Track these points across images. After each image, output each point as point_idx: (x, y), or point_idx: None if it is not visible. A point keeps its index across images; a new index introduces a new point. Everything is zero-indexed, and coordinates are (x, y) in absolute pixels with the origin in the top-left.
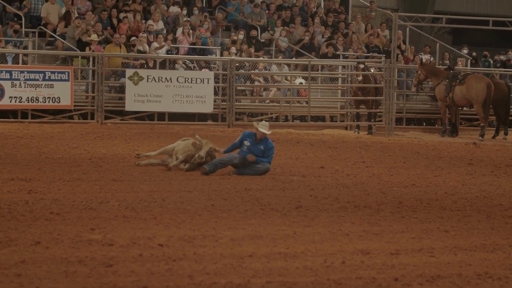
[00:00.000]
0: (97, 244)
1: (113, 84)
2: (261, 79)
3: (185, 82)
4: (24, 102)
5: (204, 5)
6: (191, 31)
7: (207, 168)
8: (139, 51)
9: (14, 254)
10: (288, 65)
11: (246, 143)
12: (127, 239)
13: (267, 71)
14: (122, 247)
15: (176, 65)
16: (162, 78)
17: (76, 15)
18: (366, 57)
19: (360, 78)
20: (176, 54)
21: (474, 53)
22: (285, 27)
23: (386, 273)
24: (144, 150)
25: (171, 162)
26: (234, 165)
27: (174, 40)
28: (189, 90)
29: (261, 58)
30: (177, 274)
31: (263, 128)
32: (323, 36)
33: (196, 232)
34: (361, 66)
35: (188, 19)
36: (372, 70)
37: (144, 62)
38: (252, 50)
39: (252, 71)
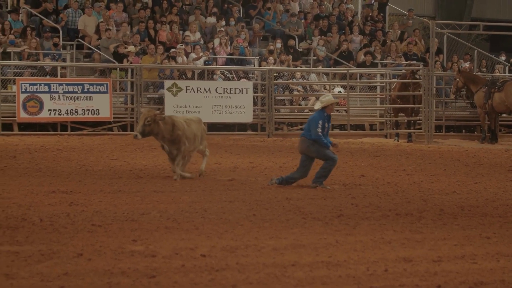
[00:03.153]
0: (140, 256)
1: (151, 96)
2: (299, 88)
3: (224, 93)
4: (63, 114)
5: (241, 15)
6: (228, 42)
7: (275, 182)
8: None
9: (56, 266)
10: (327, 74)
11: (326, 125)
12: (170, 250)
13: (305, 80)
14: (164, 258)
15: (215, 76)
16: (200, 89)
17: (115, 27)
18: (406, 65)
19: (419, 91)
20: (214, 65)
21: None
22: (323, 36)
23: (429, 281)
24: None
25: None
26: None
27: (212, 51)
28: (228, 101)
29: (299, 68)
30: (220, 284)
31: (334, 98)
32: (360, 45)
33: (238, 242)
34: (417, 76)
35: (222, 29)
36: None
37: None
38: (290, 59)
39: (291, 81)
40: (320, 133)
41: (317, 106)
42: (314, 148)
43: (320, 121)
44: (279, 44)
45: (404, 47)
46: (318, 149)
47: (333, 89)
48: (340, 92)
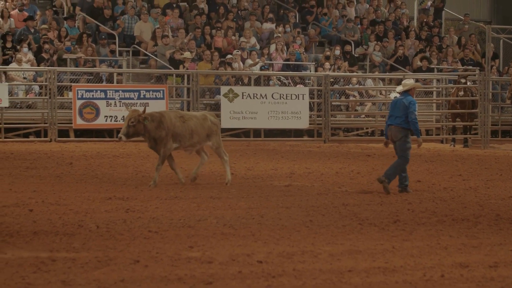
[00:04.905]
0: (196, 262)
1: (208, 102)
2: (355, 94)
3: (280, 98)
4: (119, 121)
5: (297, 21)
6: (284, 48)
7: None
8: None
9: (113, 273)
10: (383, 79)
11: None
12: (226, 256)
13: (361, 86)
14: (221, 264)
15: (271, 82)
16: (257, 94)
17: (170, 33)
18: (464, 70)
19: (462, 93)
20: (270, 71)
21: None
22: (379, 41)
23: (486, 286)
24: (241, 167)
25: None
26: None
27: (268, 57)
28: (284, 106)
29: (355, 73)
30: None
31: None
32: (416, 50)
33: (295, 248)
34: (463, 80)
35: (279, 35)
36: (468, 83)
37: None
38: (346, 64)
39: (347, 86)
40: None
41: (400, 89)
42: (404, 140)
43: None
44: (338, 51)
45: (461, 53)
46: (405, 142)
47: (389, 94)
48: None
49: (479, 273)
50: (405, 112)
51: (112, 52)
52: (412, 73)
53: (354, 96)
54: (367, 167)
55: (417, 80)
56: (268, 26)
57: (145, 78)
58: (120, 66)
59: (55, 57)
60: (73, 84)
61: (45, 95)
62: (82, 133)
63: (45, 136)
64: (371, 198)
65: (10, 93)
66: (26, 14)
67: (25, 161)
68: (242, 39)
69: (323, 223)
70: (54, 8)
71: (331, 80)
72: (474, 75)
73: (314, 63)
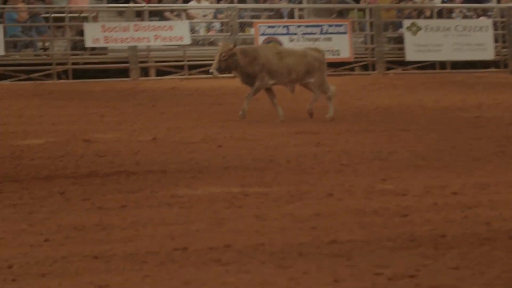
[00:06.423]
0: (390, 194)
1: (391, 35)
2: None
3: (463, 31)
4: None
5: None
6: None
7: None
8: None
9: (307, 207)
10: None
11: None
12: (420, 188)
13: None
14: (415, 197)
15: (453, 14)
16: (440, 27)
17: None
18: None
19: None
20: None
21: None
22: None
23: None
24: (429, 100)
25: None
26: None
27: None
28: (468, 39)
29: None
30: (474, 221)
31: None
32: None
33: (489, 179)
34: None
35: None
36: None
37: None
38: None
39: None
40: None
41: None
42: None
43: None
44: None
45: None
46: None
47: None
48: None
49: None
50: None
51: None
52: None
53: None
54: None
55: None
56: None
57: (326, 13)
58: (300, 2)
59: None
60: (254, 20)
61: (227, 32)
62: None
63: None
64: None
65: (192, 30)
66: None
67: (210, 97)
68: None
69: None
70: None
71: None
72: None
73: None
